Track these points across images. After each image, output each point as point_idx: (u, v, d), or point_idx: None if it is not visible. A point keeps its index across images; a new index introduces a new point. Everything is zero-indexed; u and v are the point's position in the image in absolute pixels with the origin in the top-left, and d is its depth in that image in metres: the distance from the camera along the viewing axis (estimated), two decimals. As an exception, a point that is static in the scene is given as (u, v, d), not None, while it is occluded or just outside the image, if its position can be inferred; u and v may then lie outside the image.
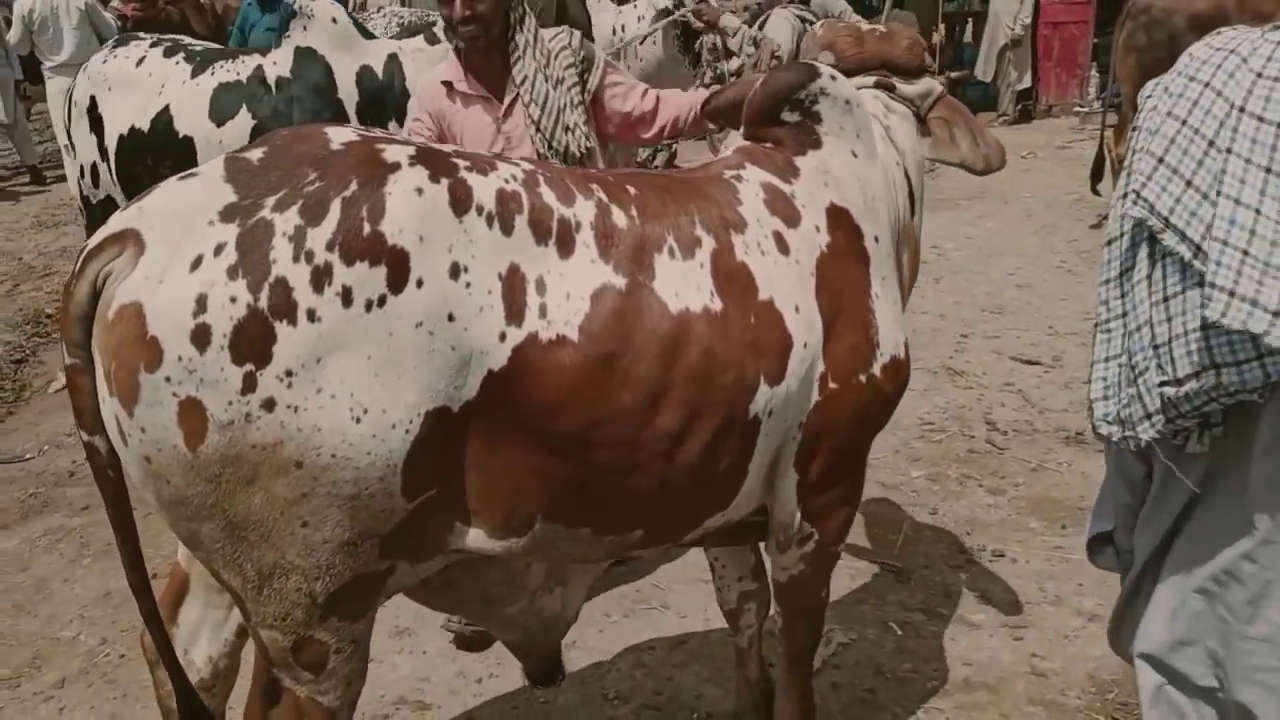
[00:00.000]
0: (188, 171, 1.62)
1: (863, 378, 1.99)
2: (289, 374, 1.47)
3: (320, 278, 1.48)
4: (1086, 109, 11.17)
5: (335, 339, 1.48)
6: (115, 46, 4.67)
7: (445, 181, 1.62)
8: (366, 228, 1.52)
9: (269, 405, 1.46)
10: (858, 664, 2.90)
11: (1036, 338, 5.30)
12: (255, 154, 1.59)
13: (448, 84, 2.81)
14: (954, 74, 11.54)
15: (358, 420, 1.50)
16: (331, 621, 1.66)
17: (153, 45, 4.59)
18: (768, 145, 2.11)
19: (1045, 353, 5.08)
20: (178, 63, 4.44)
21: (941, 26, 11.52)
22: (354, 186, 1.54)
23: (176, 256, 1.47)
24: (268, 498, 1.51)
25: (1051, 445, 4.14)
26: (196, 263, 1.46)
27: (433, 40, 4.31)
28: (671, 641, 3.04)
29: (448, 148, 1.78)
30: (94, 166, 4.55)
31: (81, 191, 4.69)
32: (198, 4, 10.82)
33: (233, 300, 1.45)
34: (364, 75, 4.31)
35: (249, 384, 1.46)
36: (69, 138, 4.75)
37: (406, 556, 1.70)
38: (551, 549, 1.83)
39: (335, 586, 1.61)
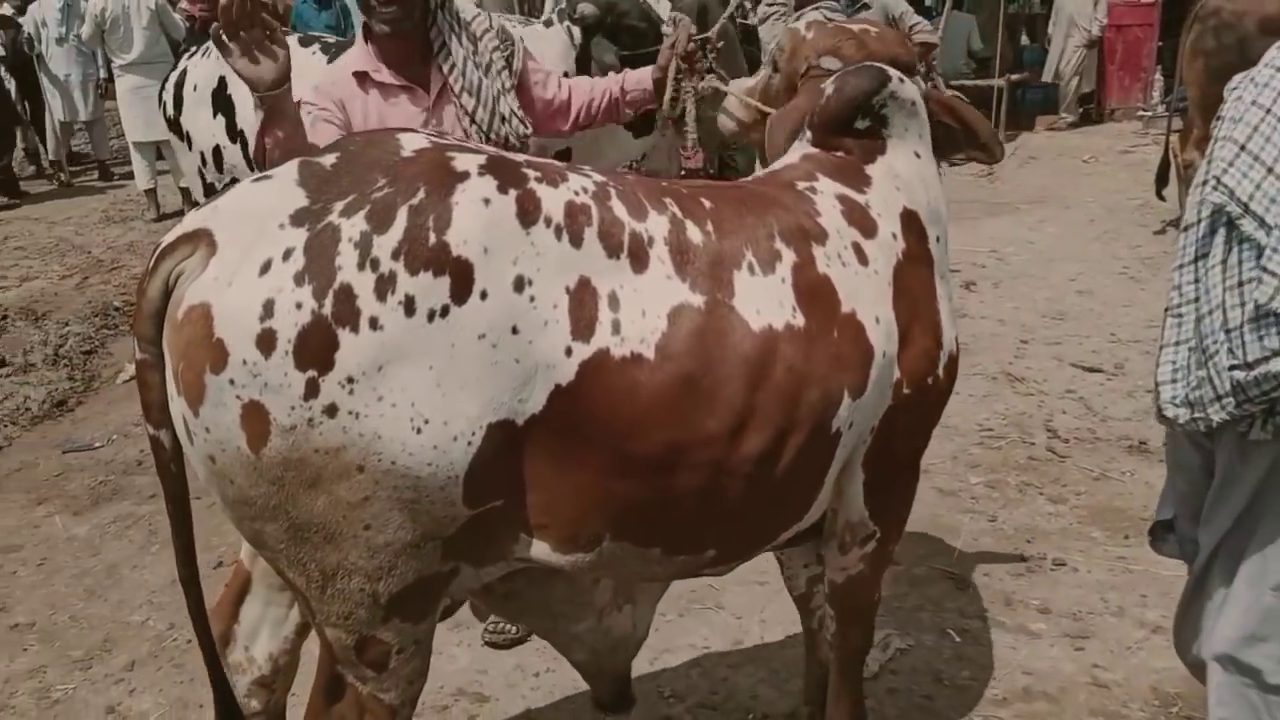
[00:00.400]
0: (263, 174, 1.63)
1: (930, 380, 2.00)
2: (350, 381, 1.46)
3: (384, 286, 1.47)
4: (1150, 113, 10.98)
5: (397, 348, 1.48)
6: None
7: (513, 192, 1.60)
8: (432, 237, 1.51)
9: (331, 411, 1.47)
10: (915, 670, 2.89)
11: (1098, 345, 5.22)
12: (329, 158, 1.60)
13: (360, 74, 2.56)
14: (1014, 76, 11.42)
15: (418, 430, 1.50)
16: (394, 623, 1.67)
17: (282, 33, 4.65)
18: (837, 154, 2.06)
19: (1107, 360, 5.00)
20: (314, 53, 4.45)
21: (1002, 28, 11.35)
22: (421, 194, 1.53)
23: (246, 259, 1.48)
24: (330, 500, 1.52)
25: (1114, 454, 4.08)
26: (265, 267, 1.47)
27: (547, 23, 4.36)
28: (727, 642, 3.05)
29: (519, 157, 1.76)
30: (216, 150, 4.60)
31: (204, 179, 4.71)
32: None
33: (298, 306, 1.45)
34: None
35: (311, 390, 1.46)
36: (176, 128, 4.80)
37: (470, 560, 1.70)
38: (619, 566, 1.82)
39: (398, 588, 1.62)
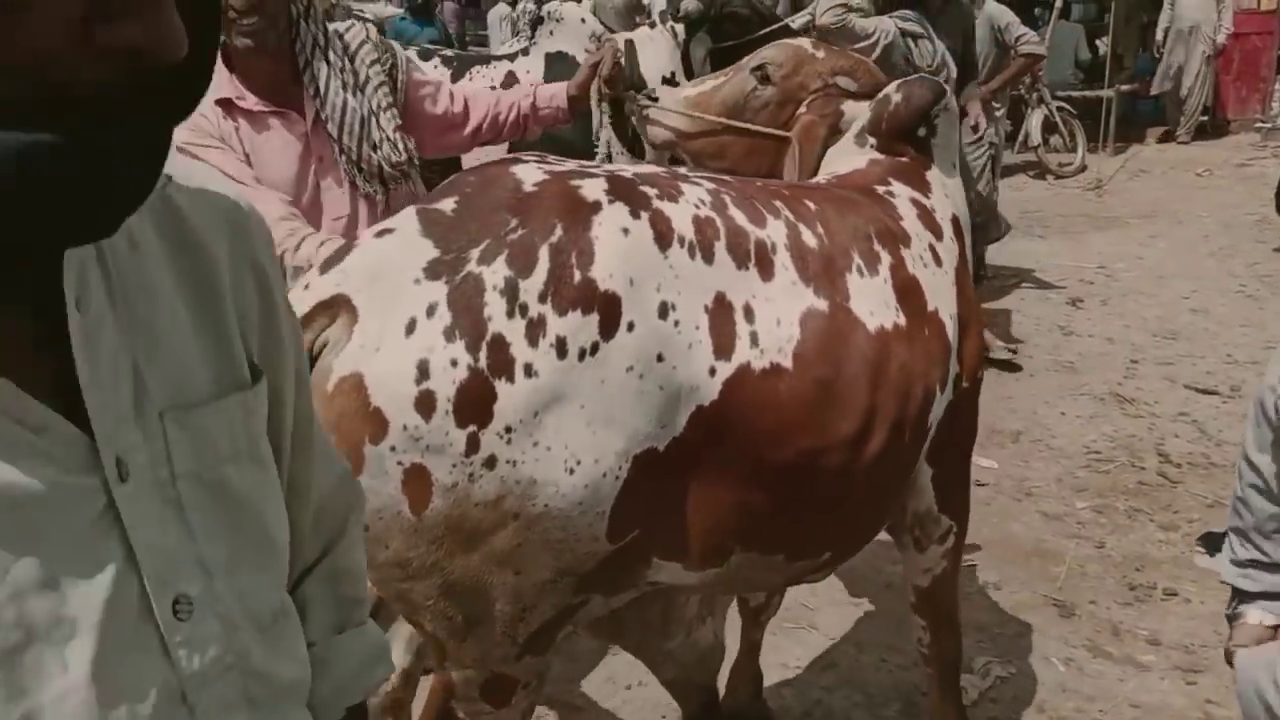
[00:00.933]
0: (381, 227, 1.58)
1: (980, 374, 2.08)
2: (508, 430, 1.43)
3: (535, 331, 1.43)
4: (1269, 125, 10.53)
5: (551, 392, 1.44)
6: None
7: (645, 216, 1.58)
8: (577, 275, 1.47)
9: (490, 463, 1.43)
10: (1016, 699, 2.80)
11: (1213, 365, 5.01)
12: (447, 204, 1.55)
13: (225, 102, 2.22)
14: (1124, 87, 11.08)
15: (571, 471, 1.46)
16: (526, 660, 1.64)
17: (401, 48, 4.74)
18: (902, 159, 2.13)
19: (1223, 382, 4.80)
20: (435, 66, 4.47)
21: (1113, 37, 11.03)
22: (559, 232, 1.49)
23: (390, 321, 1.43)
24: (485, 552, 1.49)
25: (1230, 480, 3.87)
26: (410, 326, 1.42)
27: (651, 25, 4.40)
28: (820, 663, 3.00)
29: (628, 170, 1.72)
30: None
31: None
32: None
33: (453, 363, 1.41)
34: None
35: (472, 445, 1.42)
36: None
37: (602, 591, 1.68)
38: (742, 577, 1.81)
39: (535, 627, 1.60)
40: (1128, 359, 5.16)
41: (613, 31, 4.62)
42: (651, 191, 1.64)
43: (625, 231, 1.54)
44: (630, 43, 4.47)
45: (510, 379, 1.42)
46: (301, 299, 1.48)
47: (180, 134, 2.09)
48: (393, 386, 1.41)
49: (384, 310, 1.44)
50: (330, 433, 1.42)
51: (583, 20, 4.53)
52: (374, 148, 2.30)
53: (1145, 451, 4.18)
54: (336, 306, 1.46)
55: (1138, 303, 6.00)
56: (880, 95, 2.16)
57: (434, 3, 8.48)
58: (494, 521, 1.46)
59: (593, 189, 1.58)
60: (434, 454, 1.42)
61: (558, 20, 4.50)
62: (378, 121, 2.31)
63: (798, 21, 4.50)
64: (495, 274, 1.44)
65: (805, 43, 2.41)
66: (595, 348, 1.47)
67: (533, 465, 1.45)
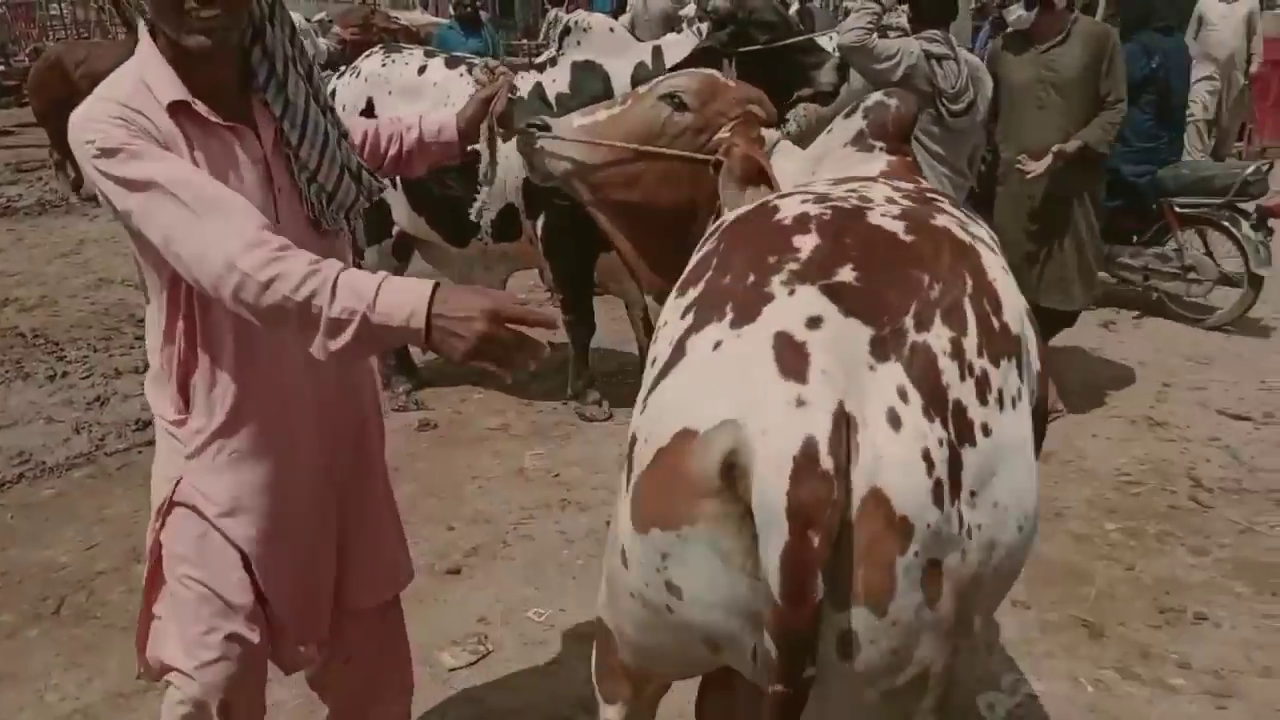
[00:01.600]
0: (806, 311, 1.39)
1: None
2: (973, 495, 1.36)
3: (982, 388, 1.39)
4: (1307, 152, 10.42)
5: (1000, 448, 1.39)
6: (388, 53, 4.88)
7: (989, 241, 1.60)
8: (996, 323, 1.44)
9: (969, 533, 1.36)
10: (1044, 718, 2.80)
11: (1246, 391, 4.99)
12: (845, 273, 1.43)
13: (179, 105, 1.76)
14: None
15: (1020, 529, 1.42)
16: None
17: (429, 55, 4.77)
18: (909, 159, 2.14)
19: (1256, 408, 4.78)
20: (461, 74, 4.54)
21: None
22: (969, 281, 1.46)
23: (870, 417, 1.31)
24: (971, 614, 1.42)
25: (1262, 506, 3.89)
26: (894, 418, 1.31)
27: (678, 31, 4.42)
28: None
29: (882, 188, 1.71)
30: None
31: None
32: (408, 30, 11.53)
33: (940, 443, 1.33)
34: (639, 72, 4.36)
35: (960, 521, 1.34)
36: None
37: None
38: None
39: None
40: (1160, 383, 5.14)
41: (643, 41, 4.66)
42: (934, 208, 1.65)
43: (1006, 271, 1.56)
44: (657, 49, 4.51)
45: (973, 443, 1.36)
46: (797, 420, 1.28)
47: (115, 134, 1.71)
48: (912, 488, 1.30)
49: (859, 407, 1.31)
50: (860, 563, 1.29)
51: (611, 29, 4.54)
52: (353, 178, 1.95)
53: (1176, 475, 4.17)
54: (843, 416, 1.30)
55: (1171, 328, 5.97)
56: (873, 101, 2.14)
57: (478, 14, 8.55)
58: (958, 589, 1.36)
59: (955, 226, 1.58)
60: (944, 544, 1.33)
61: (585, 30, 4.52)
62: (345, 146, 1.96)
63: (834, 41, 4.52)
64: (939, 338, 1.38)
65: (713, 72, 2.44)
66: (1020, 393, 1.44)
67: (990, 528, 1.38)
